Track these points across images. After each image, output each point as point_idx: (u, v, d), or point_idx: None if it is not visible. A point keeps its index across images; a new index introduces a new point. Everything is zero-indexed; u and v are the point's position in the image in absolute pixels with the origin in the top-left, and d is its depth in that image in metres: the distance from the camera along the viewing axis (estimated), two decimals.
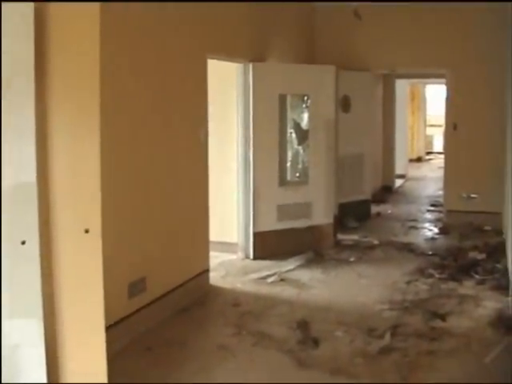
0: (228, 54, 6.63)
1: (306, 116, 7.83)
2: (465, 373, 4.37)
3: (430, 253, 7.54)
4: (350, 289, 6.33)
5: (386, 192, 11.99)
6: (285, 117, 7.55)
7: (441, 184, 13.27)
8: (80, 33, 2.80)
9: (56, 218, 2.77)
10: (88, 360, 2.92)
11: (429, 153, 19.82)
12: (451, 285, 6.31)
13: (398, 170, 13.32)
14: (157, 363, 4.50)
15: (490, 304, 5.74)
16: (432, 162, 18.85)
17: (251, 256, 7.30)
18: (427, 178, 15.06)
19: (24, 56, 2.61)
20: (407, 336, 5.00)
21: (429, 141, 19.92)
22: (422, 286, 6.30)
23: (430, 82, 17.17)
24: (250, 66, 7.00)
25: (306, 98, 7.75)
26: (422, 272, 6.74)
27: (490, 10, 8.57)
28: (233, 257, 7.34)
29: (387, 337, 4.93)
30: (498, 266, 6.68)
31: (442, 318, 5.39)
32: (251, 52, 7.17)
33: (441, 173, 15.70)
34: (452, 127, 9.14)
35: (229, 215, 7.38)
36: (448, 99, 9.29)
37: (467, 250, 7.43)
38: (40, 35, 2.66)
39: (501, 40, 8.51)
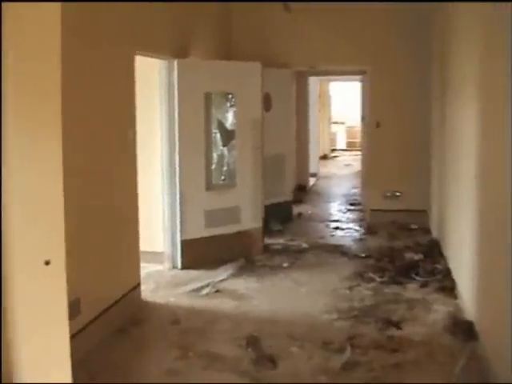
0: (155, 50, 6.11)
1: (230, 115, 7.41)
2: None
3: (363, 255, 7.31)
4: (290, 298, 5.99)
5: (301, 191, 11.74)
6: (210, 116, 7.09)
7: (353, 182, 13.33)
8: (38, 34, 2.28)
9: (11, 248, 2.23)
10: None
11: (333, 150, 19.88)
12: (395, 288, 6.08)
13: (310, 169, 13.12)
14: None
15: (440, 308, 5.54)
16: (338, 159, 18.90)
17: (179, 266, 6.82)
18: (337, 176, 15.00)
19: None
20: (366, 348, 4.69)
21: (332, 138, 19.97)
22: (366, 292, 6.04)
23: (333, 80, 17.15)
24: (175, 62, 6.51)
25: (230, 96, 7.33)
26: (361, 276, 6.48)
27: (411, 8, 8.45)
28: (159, 267, 6.82)
29: (348, 351, 4.60)
30: (439, 266, 6.51)
31: (397, 325, 5.13)
32: (173, 48, 6.67)
33: (349, 170, 15.88)
34: (375, 125, 8.97)
35: (153, 222, 6.83)
36: (363, 96, 9.12)
37: (401, 251, 7.24)
38: None
39: (425, 37, 8.44)
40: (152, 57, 6.20)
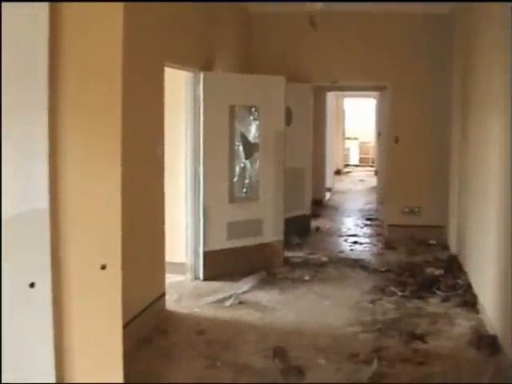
0: (182, 62, 6.20)
1: (252, 128, 7.50)
2: None
3: (384, 269, 7.35)
4: (314, 310, 6.03)
5: (317, 206, 11.77)
6: (234, 129, 7.18)
7: (368, 197, 13.39)
8: (100, 35, 2.36)
9: (68, 253, 2.30)
10: None
11: (346, 165, 19.94)
12: (417, 303, 6.12)
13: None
14: None
15: (463, 322, 5.57)
16: (351, 174, 18.95)
17: (201, 277, 6.88)
18: (352, 191, 15.04)
19: (37, 65, 2.16)
20: (393, 361, 4.73)
21: (345, 154, 20.03)
22: (388, 305, 6.08)
23: (348, 95, 17.23)
24: (201, 75, 6.61)
25: (253, 109, 7.42)
26: (382, 290, 6.52)
27: (431, 22, 8.55)
28: (181, 278, 6.87)
29: (375, 363, 4.64)
30: (460, 281, 6.55)
31: (421, 339, 5.16)
32: (198, 60, 6.76)
33: (363, 186, 15.92)
34: (394, 140, 9.03)
35: (175, 234, 6.87)
36: (379, 112, 9.18)
37: (421, 266, 7.29)
38: (55, 37, 2.21)
39: (444, 53, 8.51)
40: (180, 69, 6.28)
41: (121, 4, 2.41)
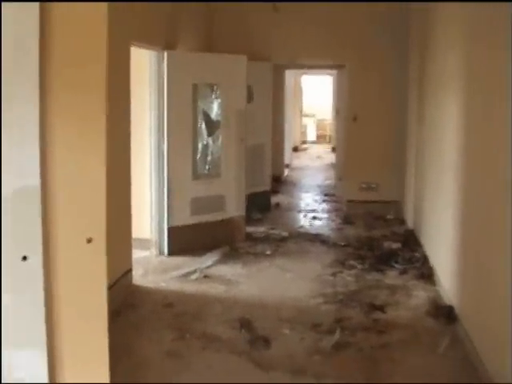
0: (148, 41, 6.27)
1: (214, 106, 7.59)
2: (424, 364, 4.39)
3: (343, 243, 7.57)
4: (277, 283, 6.21)
5: (276, 182, 11.94)
6: (197, 107, 7.28)
7: (326, 173, 13.63)
8: (86, 33, 2.49)
9: (57, 227, 2.41)
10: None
11: (303, 142, 20.16)
12: (376, 275, 6.35)
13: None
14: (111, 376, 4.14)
15: (421, 293, 5.82)
16: (308, 151, 19.17)
17: (166, 252, 7.00)
18: (310, 168, 15.26)
19: (28, 58, 2.30)
20: (354, 330, 4.95)
21: (302, 131, 20.23)
22: (348, 278, 6.30)
23: (306, 73, 17.39)
24: (165, 54, 6.68)
25: (215, 87, 7.51)
26: (342, 263, 6.74)
27: (389, 6, 8.74)
28: (146, 253, 6.99)
29: (337, 332, 4.85)
30: (417, 254, 6.81)
31: (381, 309, 5.40)
32: (162, 40, 6.83)
33: (320, 162, 16.17)
34: (352, 118, 9.24)
35: (139, 210, 6.98)
36: (337, 90, 9.35)
37: (379, 240, 7.54)
38: (45, 36, 2.33)
39: (404, 34, 8.72)
40: (145, 48, 6.35)
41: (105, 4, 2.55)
